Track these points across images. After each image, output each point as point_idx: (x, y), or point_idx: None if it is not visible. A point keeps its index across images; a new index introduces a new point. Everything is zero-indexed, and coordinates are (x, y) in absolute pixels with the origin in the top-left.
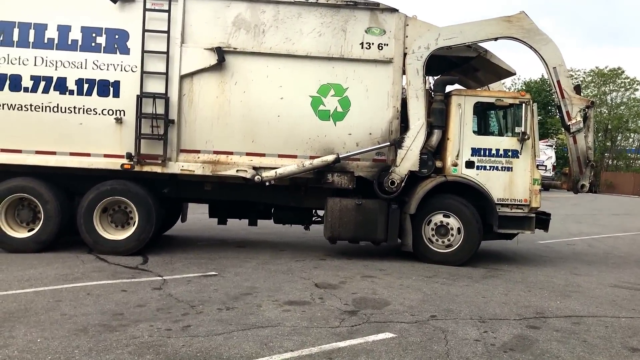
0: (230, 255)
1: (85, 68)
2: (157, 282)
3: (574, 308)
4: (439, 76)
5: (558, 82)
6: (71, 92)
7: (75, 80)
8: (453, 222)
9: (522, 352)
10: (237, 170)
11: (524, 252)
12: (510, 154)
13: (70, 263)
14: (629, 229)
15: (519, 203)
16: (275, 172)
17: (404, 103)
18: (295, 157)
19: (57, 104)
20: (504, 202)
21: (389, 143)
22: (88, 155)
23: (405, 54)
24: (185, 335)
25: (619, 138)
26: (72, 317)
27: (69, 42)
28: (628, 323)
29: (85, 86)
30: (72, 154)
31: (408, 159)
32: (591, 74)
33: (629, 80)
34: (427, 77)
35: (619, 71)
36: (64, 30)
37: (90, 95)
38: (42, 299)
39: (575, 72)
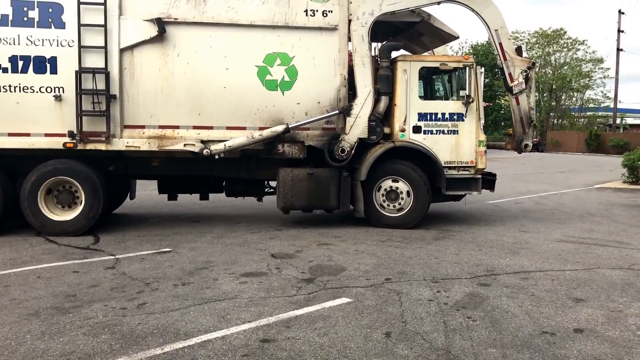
0: (184, 230)
1: (19, 44)
2: (109, 261)
3: (522, 264)
4: (384, 42)
5: (500, 44)
6: (5, 70)
7: (9, 58)
8: (402, 187)
9: (474, 309)
10: (185, 145)
11: (474, 213)
12: (455, 117)
13: (18, 246)
14: (574, 185)
15: (465, 165)
16: (224, 145)
17: (351, 70)
18: (244, 128)
19: None
20: (451, 165)
21: (337, 111)
22: (28, 135)
23: (350, 21)
24: (141, 312)
25: (563, 98)
26: (22, 301)
27: None
28: (572, 275)
29: (20, 63)
30: (10, 134)
31: (357, 127)
32: (535, 35)
33: (571, 40)
34: (372, 44)
35: (562, 32)
36: None
37: (26, 72)
38: None
39: (520, 34)
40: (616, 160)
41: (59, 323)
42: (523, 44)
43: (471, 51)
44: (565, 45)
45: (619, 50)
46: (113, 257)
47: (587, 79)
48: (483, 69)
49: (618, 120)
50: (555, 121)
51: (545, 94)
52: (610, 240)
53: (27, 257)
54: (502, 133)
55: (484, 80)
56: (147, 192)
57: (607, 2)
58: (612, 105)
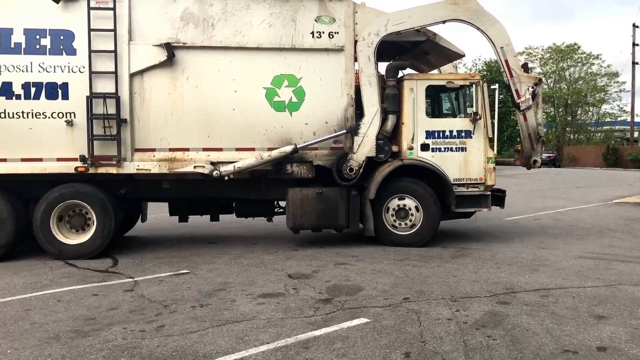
0: (201, 252)
1: (31, 71)
2: (128, 283)
3: (542, 281)
4: (390, 61)
5: (506, 61)
6: (18, 97)
7: (22, 85)
8: (412, 204)
9: (494, 327)
10: (195, 167)
11: (492, 230)
12: (463, 134)
13: (38, 270)
14: (592, 200)
15: (474, 182)
16: (234, 166)
17: (358, 90)
18: (253, 149)
19: (4, 110)
20: (460, 182)
21: (345, 131)
22: (40, 160)
23: (356, 41)
24: (160, 335)
25: (578, 112)
26: (42, 325)
27: (12, 46)
28: (593, 292)
29: (33, 90)
30: (23, 159)
31: (365, 145)
32: (549, 50)
33: (585, 55)
34: (378, 63)
35: (575, 47)
36: (6, 33)
37: (38, 98)
38: (10, 309)
39: (534, 49)
40: (635, 175)
41: (79, 346)
42: (537, 59)
43: (485, 68)
44: (579, 59)
45: (634, 63)
46: (131, 279)
47: (602, 93)
48: (497, 85)
49: (635, 134)
50: (572, 136)
51: (560, 109)
52: (631, 256)
53: (47, 280)
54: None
55: (500, 97)
56: (163, 214)
57: (621, 17)
58: (629, 119)
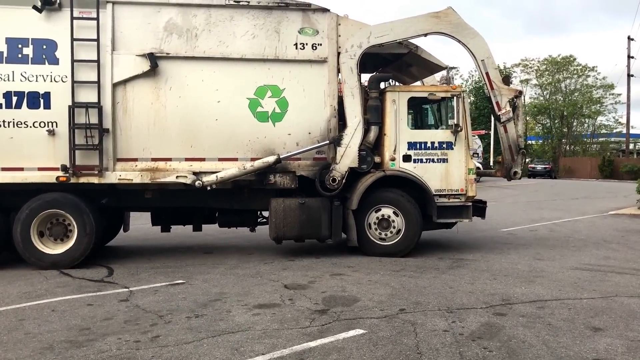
0: (197, 262)
1: (13, 80)
2: (123, 293)
3: (538, 293)
4: (374, 73)
5: (487, 74)
6: None
7: (3, 94)
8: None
9: (490, 339)
10: (177, 177)
11: (488, 241)
12: (445, 146)
13: (32, 280)
14: (588, 211)
15: (455, 193)
16: (216, 177)
17: (341, 101)
18: (236, 159)
19: None
20: (441, 193)
21: (328, 141)
22: (22, 169)
23: (339, 53)
24: (155, 345)
25: (574, 124)
26: (36, 335)
27: None
28: (590, 304)
29: (14, 99)
30: (4, 169)
31: (347, 156)
32: (545, 62)
33: (580, 67)
34: (362, 75)
35: (571, 59)
36: None
37: (20, 108)
38: (4, 319)
39: (530, 61)
40: (630, 186)
41: (73, 357)
42: (533, 71)
43: (481, 79)
44: (575, 71)
45: (629, 76)
46: (127, 289)
47: (598, 105)
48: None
49: (631, 146)
50: (568, 148)
51: (556, 121)
52: (628, 268)
53: (41, 290)
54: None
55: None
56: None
57: (615, 29)
58: (624, 131)
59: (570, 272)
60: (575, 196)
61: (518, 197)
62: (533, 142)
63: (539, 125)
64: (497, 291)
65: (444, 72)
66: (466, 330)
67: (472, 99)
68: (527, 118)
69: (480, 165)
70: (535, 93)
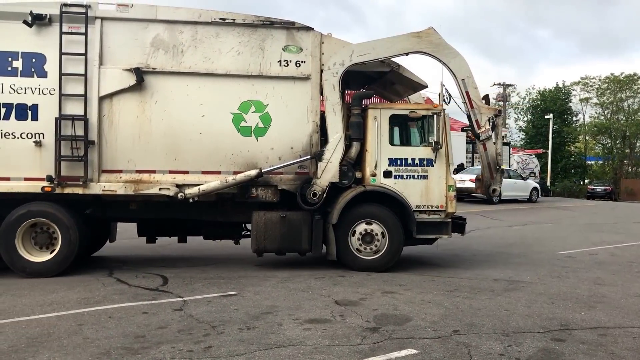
0: (249, 274)
1: (2, 92)
2: (177, 303)
3: (599, 319)
4: (359, 90)
5: (467, 92)
6: None
7: None
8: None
9: None
10: (160, 189)
11: (546, 264)
12: (425, 162)
13: (91, 286)
14: None
15: (435, 209)
16: (199, 189)
17: (323, 117)
18: (219, 173)
19: None
20: (421, 209)
21: (309, 156)
22: (8, 179)
23: (322, 70)
24: (207, 356)
25: (637, 144)
26: (94, 340)
27: None
28: None
29: (2, 110)
30: None
31: (328, 171)
32: (606, 80)
33: None
34: (345, 92)
35: (635, 77)
36: None
37: (8, 119)
38: (64, 323)
39: (590, 79)
40: None
41: None
42: (593, 89)
43: (539, 97)
44: (639, 90)
45: None
46: (181, 299)
47: None
48: (552, 115)
49: None
50: (630, 169)
51: (618, 141)
52: None
53: (99, 296)
54: (572, 181)
55: (553, 127)
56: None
57: None
58: None
59: (635, 298)
60: (638, 219)
61: (577, 219)
62: (592, 162)
63: (599, 145)
64: (555, 316)
65: (443, 87)
66: (523, 355)
67: (529, 117)
68: (587, 138)
69: (537, 186)
70: (596, 112)
